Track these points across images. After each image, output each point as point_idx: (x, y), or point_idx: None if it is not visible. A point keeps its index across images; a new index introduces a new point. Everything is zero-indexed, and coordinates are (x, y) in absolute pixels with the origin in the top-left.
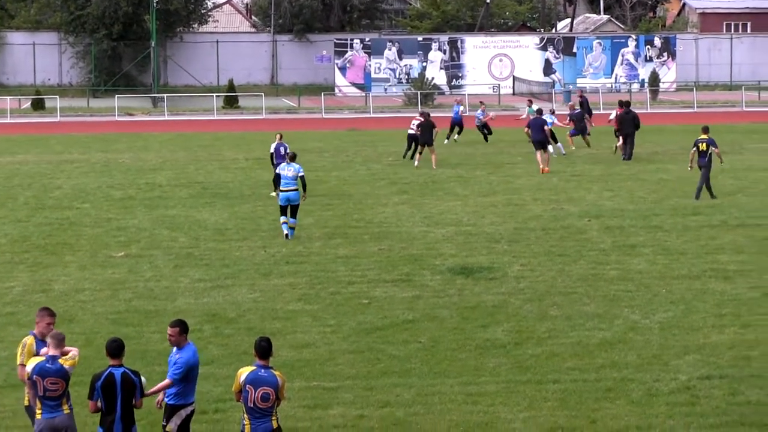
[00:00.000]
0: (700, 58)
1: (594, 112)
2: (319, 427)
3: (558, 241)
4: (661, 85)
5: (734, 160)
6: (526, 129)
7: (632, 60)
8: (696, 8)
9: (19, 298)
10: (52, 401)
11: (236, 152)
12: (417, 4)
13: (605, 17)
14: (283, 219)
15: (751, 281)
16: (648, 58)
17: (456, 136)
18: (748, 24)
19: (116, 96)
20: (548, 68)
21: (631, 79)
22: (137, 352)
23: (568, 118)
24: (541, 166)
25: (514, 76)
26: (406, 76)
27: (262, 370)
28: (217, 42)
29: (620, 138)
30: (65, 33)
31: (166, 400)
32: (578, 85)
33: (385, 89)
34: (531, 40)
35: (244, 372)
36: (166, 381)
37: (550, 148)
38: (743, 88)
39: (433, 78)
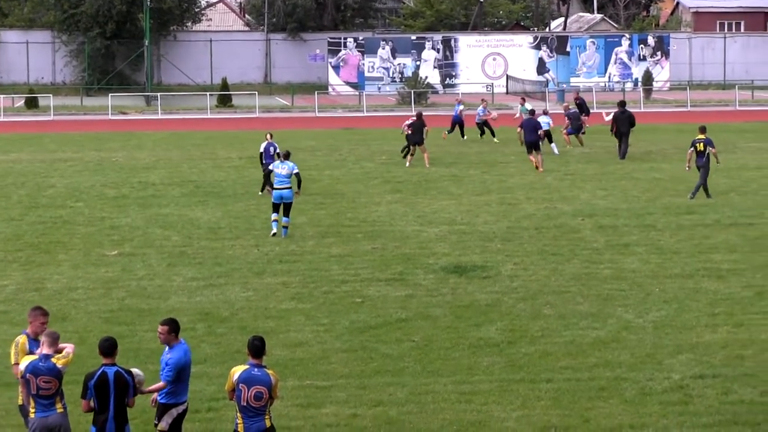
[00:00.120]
0: (693, 57)
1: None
2: (312, 426)
3: (551, 240)
4: (654, 84)
5: (727, 159)
6: (518, 129)
7: (626, 59)
8: (689, 7)
9: (12, 297)
10: (45, 400)
11: (229, 151)
12: (411, 3)
13: (599, 16)
14: (273, 216)
15: (744, 280)
16: (641, 57)
17: (462, 137)
18: (742, 23)
19: (110, 95)
20: (542, 67)
21: (625, 78)
22: (130, 351)
23: (566, 118)
24: (535, 165)
25: (507, 75)
26: (400, 75)
27: (256, 369)
28: (211, 41)
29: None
30: (59, 31)
31: (158, 398)
32: (572, 84)
33: (379, 88)
34: (524, 39)
35: (237, 371)
36: (161, 383)
37: (553, 146)
38: (737, 87)
39: (426, 77)
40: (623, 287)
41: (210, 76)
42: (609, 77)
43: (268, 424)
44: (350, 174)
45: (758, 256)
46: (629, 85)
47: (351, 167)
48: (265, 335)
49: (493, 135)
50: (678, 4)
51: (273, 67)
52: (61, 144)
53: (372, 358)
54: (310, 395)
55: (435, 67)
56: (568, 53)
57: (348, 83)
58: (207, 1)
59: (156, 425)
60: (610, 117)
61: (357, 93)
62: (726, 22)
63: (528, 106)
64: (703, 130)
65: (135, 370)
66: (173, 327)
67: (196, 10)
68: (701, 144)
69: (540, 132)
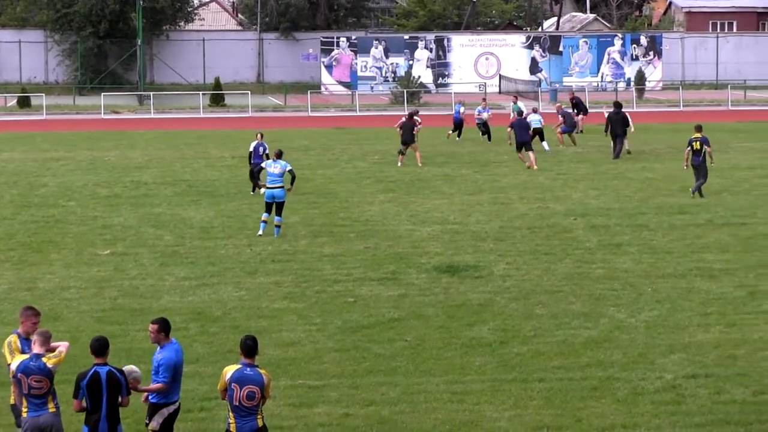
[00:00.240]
0: (686, 57)
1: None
2: (305, 426)
3: (544, 239)
4: (647, 83)
5: (720, 159)
6: (508, 130)
7: (618, 59)
8: (682, 7)
9: (4, 296)
10: (37, 399)
11: (222, 150)
12: (403, 2)
13: (591, 16)
14: (264, 217)
15: (737, 280)
16: (634, 57)
17: (451, 133)
18: (734, 23)
19: (102, 94)
20: (534, 67)
21: (617, 78)
22: (122, 351)
23: (560, 116)
24: (527, 164)
25: (500, 75)
26: (393, 75)
27: (248, 369)
28: (204, 40)
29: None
30: (51, 31)
31: (149, 398)
32: (564, 83)
33: (372, 87)
34: (517, 39)
35: (229, 370)
36: (158, 385)
37: (544, 144)
38: (729, 87)
39: (419, 76)
40: (616, 287)
41: (203, 76)
42: (601, 77)
43: (260, 423)
44: (343, 173)
45: (750, 256)
46: (622, 85)
47: (344, 167)
48: (258, 335)
49: (489, 138)
50: (670, 4)
51: (266, 67)
52: (53, 143)
53: (364, 358)
54: (303, 395)
55: (428, 67)
56: (560, 53)
57: (341, 83)
58: (200, 1)
59: (147, 425)
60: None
61: (350, 92)
62: (718, 22)
63: (521, 104)
64: (699, 128)
65: (131, 367)
66: (163, 326)
67: (189, 9)
68: (697, 143)
69: (530, 132)
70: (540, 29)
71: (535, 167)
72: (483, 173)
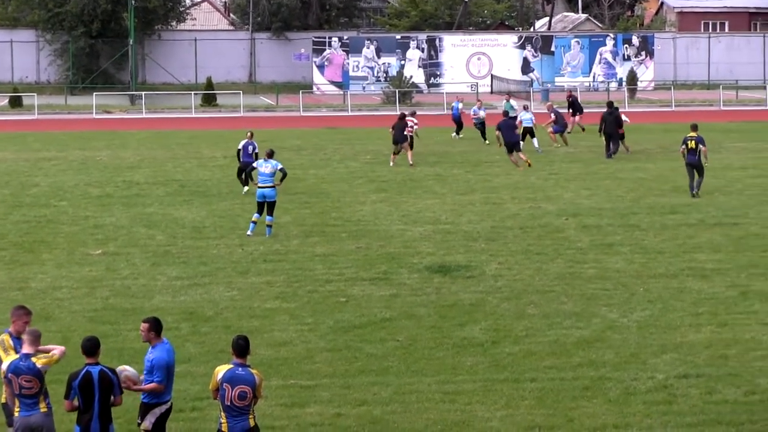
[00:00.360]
0: (677, 57)
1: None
2: (297, 426)
3: (535, 239)
4: (639, 83)
5: (712, 159)
6: (496, 131)
7: (610, 59)
8: (674, 7)
9: None
10: (28, 399)
11: (214, 150)
12: (395, 2)
13: (583, 16)
14: (254, 217)
15: (729, 280)
16: (626, 57)
17: (456, 135)
18: (726, 23)
19: (94, 94)
20: (526, 67)
21: (609, 77)
22: (114, 350)
23: (552, 115)
24: (520, 168)
25: (492, 75)
26: (385, 75)
27: (240, 369)
28: (196, 40)
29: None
30: (43, 30)
31: (141, 398)
32: (556, 83)
33: (363, 87)
34: (509, 39)
35: (221, 370)
36: (154, 385)
37: (534, 141)
38: (721, 87)
39: (411, 76)
40: (607, 287)
41: (195, 76)
42: (593, 77)
43: (252, 423)
44: (335, 173)
45: (742, 256)
46: (614, 85)
47: (336, 167)
48: (250, 334)
49: (484, 138)
50: (662, 4)
51: (258, 67)
52: (45, 143)
53: (356, 358)
54: (295, 395)
55: (420, 67)
56: (552, 53)
57: (333, 82)
58: (191, 1)
59: (139, 425)
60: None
61: (342, 92)
62: (710, 22)
63: (513, 102)
64: (694, 127)
65: (123, 367)
66: (154, 325)
67: (181, 9)
68: (693, 141)
69: (524, 126)
70: (532, 29)
71: (528, 162)
72: (475, 173)
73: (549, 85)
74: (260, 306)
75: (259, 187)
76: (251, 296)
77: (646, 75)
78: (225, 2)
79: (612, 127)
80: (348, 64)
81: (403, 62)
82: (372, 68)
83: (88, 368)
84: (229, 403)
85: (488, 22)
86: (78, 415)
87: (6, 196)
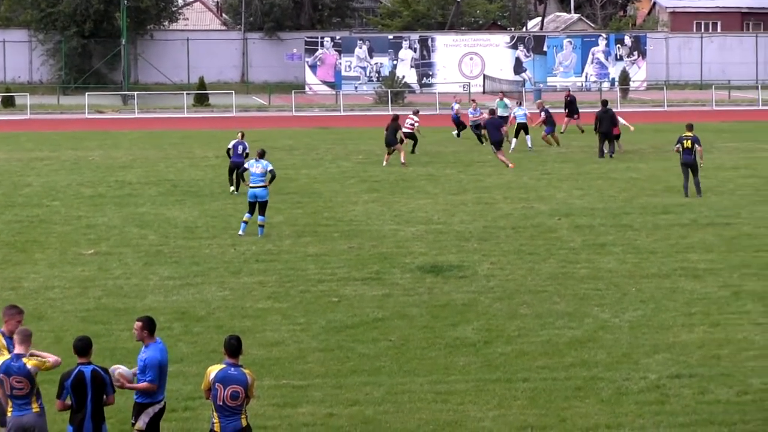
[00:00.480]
0: (670, 57)
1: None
2: (289, 426)
3: (528, 239)
4: (631, 83)
5: (705, 158)
6: (483, 131)
7: (602, 59)
8: (666, 7)
9: None
10: (20, 400)
11: (206, 150)
12: (388, 2)
13: (576, 16)
14: (246, 217)
15: (721, 280)
16: (618, 57)
17: (456, 135)
18: (718, 23)
19: (86, 94)
20: (519, 67)
21: (602, 77)
22: (106, 350)
23: (543, 114)
24: (510, 166)
25: (484, 75)
26: (377, 75)
27: (232, 368)
28: (188, 40)
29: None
30: (36, 30)
31: (134, 397)
32: (549, 83)
33: (356, 87)
34: (501, 39)
35: (213, 370)
36: (146, 384)
37: (528, 140)
38: (713, 87)
39: (403, 76)
40: (600, 287)
41: (187, 75)
42: (586, 77)
43: (244, 423)
44: (327, 173)
45: (735, 256)
46: (606, 85)
47: (328, 166)
48: (242, 334)
49: (480, 140)
50: (655, 4)
51: (250, 67)
52: (37, 143)
53: (348, 358)
54: (287, 394)
55: (412, 67)
56: (545, 53)
57: (325, 82)
58: (184, 0)
59: (133, 425)
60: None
61: (334, 92)
62: (703, 22)
63: (507, 101)
64: (690, 127)
65: (119, 366)
66: (147, 324)
67: (174, 9)
68: (689, 141)
69: (503, 129)
70: (524, 29)
71: (511, 165)
72: (467, 173)
73: (541, 85)
74: (252, 306)
75: (251, 187)
76: (243, 296)
77: (639, 75)
78: (217, 2)
79: (607, 126)
80: (340, 64)
81: (395, 62)
82: (364, 68)
83: (80, 368)
84: (221, 403)
85: (480, 22)
86: (71, 415)
87: None
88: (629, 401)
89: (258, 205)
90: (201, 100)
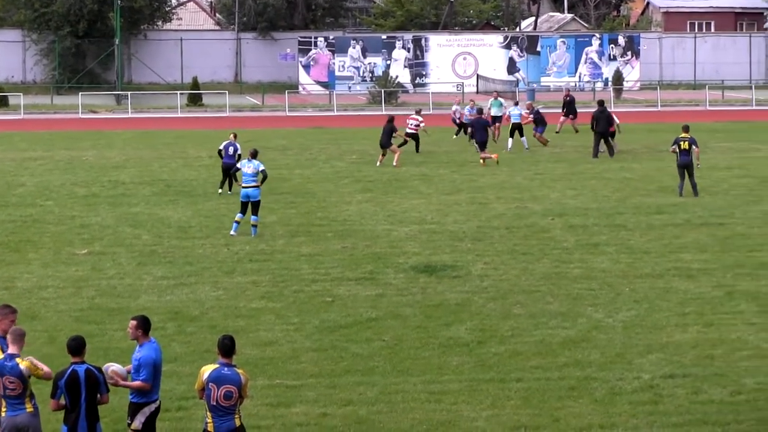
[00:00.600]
0: (663, 57)
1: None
2: (282, 425)
3: (521, 239)
4: (624, 83)
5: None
6: (469, 129)
7: (596, 59)
8: (660, 7)
9: None
10: (13, 400)
11: (200, 150)
12: (381, 2)
13: (569, 16)
14: (238, 217)
15: (715, 280)
16: (612, 57)
17: (455, 135)
18: (712, 23)
19: (80, 93)
20: (512, 67)
21: (595, 77)
22: (100, 350)
23: (531, 115)
24: (494, 157)
25: (478, 75)
26: (370, 75)
27: (225, 368)
28: (182, 40)
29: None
30: (29, 30)
31: (129, 397)
32: (542, 83)
33: (349, 87)
34: (495, 39)
35: (207, 370)
36: (140, 383)
37: (523, 140)
38: (707, 87)
39: (397, 76)
40: (593, 287)
41: (180, 75)
42: (579, 77)
43: (237, 423)
44: (321, 173)
45: (728, 256)
46: (599, 85)
47: (321, 166)
48: (235, 334)
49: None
50: (648, 4)
51: (243, 67)
52: (31, 143)
53: (342, 358)
54: (280, 394)
55: (405, 67)
56: (538, 53)
57: (318, 82)
58: (177, 0)
59: (129, 425)
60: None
61: (327, 92)
62: (696, 22)
63: (502, 100)
64: (686, 129)
65: (113, 364)
66: (142, 323)
67: (167, 9)
68: (686, 142)
69: (491, 129)
70: (518, 29)
71: (484, 162)
72: (461, 173)
73: (535, 85)
74: (246, 306)
75: (243, 187)
76: (237, 296)
77: (632, 75)
78: (211, 2)
79: (604, 126)
80: (334, 64)
81: (388, 62)
82: (358, 68)
83: (74, 367)
84: (214, 403)
85: (474, 22)
86: (65, 415)
87: None
88: (623, 401)
89: (250, 205)
90: (194, 100)
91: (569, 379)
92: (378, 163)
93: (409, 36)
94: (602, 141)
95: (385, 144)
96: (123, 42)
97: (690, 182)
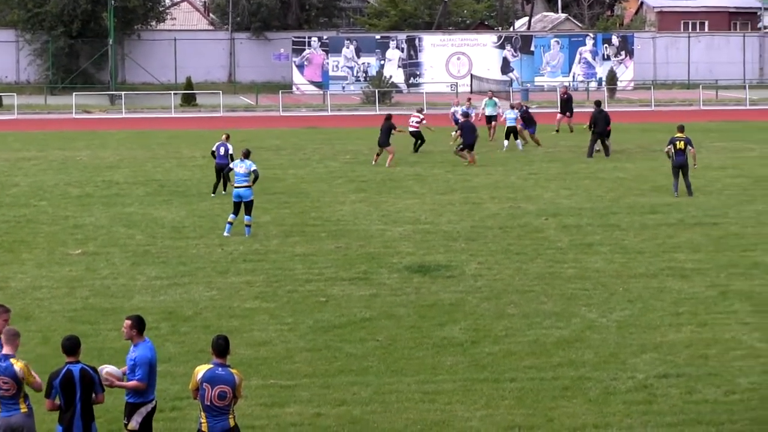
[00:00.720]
0: (657, 56)
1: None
2: (276, 425)
3: (515, 239)
4: (618, 83)
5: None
6: (457, 132)
7: (590, 58)
8: (653, 7)
9: None
10: (7, 400)
11: (194, 150)
12: (375, 2)
13: (563, 16)
14: (230, 218)
15: (708, 280)
16: (605, 57)
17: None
18: (706, 23)
19: (74, 93)
20: (506, 66)
21: (589, 77)
22: (94, 350)
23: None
24: (469, 160)
25: (471, 75)
26: (364, 75)
27: (220, 368)
28: (175, 40)
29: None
30: (23, 30)
31: (125, 398)
32: (536, 83)
33: (343, 87)
34: (489, 39)
35: (201, 370)
36: (135, 383)
37: (518, 143)
38: (701, 86)
39: (390, 76)
40: (587, 287)
41: (174, 75)
42: (573, 77)
43: (232, 423)
44: (314, 173)
45: (722, 256)
46: (593, 85)
47: (315, 166)
48: (229, 334)
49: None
50: (642, 3)
51: (237, 67)
52: (25, 143)
53: (336, 358)
54: (274, 394)
55: (399, 67)
56: (532, 53)
57: (312, 82)
58: (171, 0)
59: (126, 425)
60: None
61: (321, 92)
62: (690, 22)
63: (496, 100)
64: (681, 129)
65: (107, 365)
66: (136, 323)
67: (161, 9)
68: (681, 142)
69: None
70: (511, 29)
71: (473, 161)
72: (454, 173)
73: (528, 85)
74: (240, 306)
75: (235, 187)
76: (231, 296)
77: (626, 75)
78: (204, 2)
79: (603, 126)
80: (327, 64)
81: (382, 62)
82: (352, 68)
83: (68, 366)
84: (208, 403)
85: (468, 21)
86: (60, 414)
87: None
88: (617, 401)
89: (243, 205)
90: (188, 100)
91: (563, 379)
92: (373, 162)
93: (402, 36)
94: (598, 141)
95: (383, 143)
96: (117, 42)
97: (684, 182)
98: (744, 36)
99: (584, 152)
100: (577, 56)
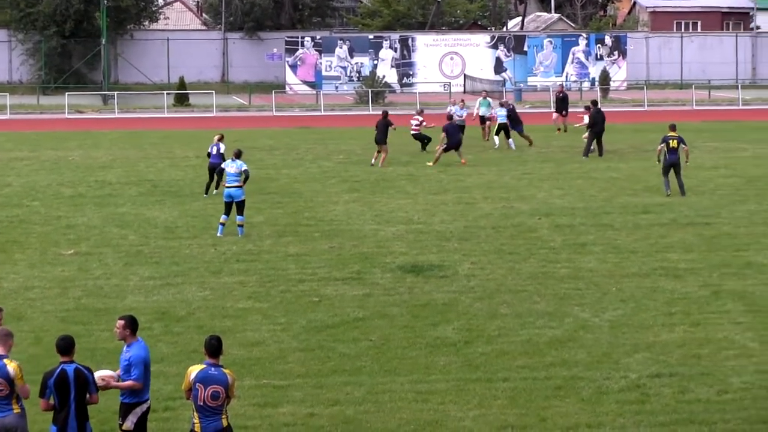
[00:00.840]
0: (650, 56)
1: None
2: (269, 426)
3: (508, 239)
4: (611, 83)
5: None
6: (442, 134)
7: (583, 58)
8: (646, 7)
9: None
10: (0, 401)
11: (186, 150)
12: (368, 2)
13: (556, 16)
14: (222, 219)
15: (701, 279)
16: (599, 57)
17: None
18: (699, 23)
19: (66, 94)
20: (499, 66)
21: (582, 77)
22: (86, 351)
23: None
24: (438, 157)
25: (465, 75)
26: (357, 74)
27: (213, 369)
28: (168, 40)
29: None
30: (15, 30)
31: (120, 398)
32: (529, 83)
33: (336, 87)
34: (482, 39)
35: (194, 370)
36: (131, 382)
37: (510, 142)
38: (693, 86)
39: (384, 76)
40: (580, 286)
41: (167, 75)
42: (566, 77)
43: (224, 423)
44: (307, 173)
45: (715, 256)
46: (586, 85)
47: (308, 166)
48: (222, 334)
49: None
50: (635, 3)
51: (230, 66)
52: (17, 143)
53: (329, 358)
54: (267, 394)
55: (392, 67)
56: (525, 53)
57: (305, 82)
58: (164, 0)
59: (120, 425)
60: (585, 121)
61: (314, 92)
62: (683, 22)
63: (490, 100)
64: (673, 128)
65: (102, 370)
66: (129, 323)
67: (154, 8)
68: (674, 141)
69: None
70: (504, 29)
71: (435, 158)
72: (447, 173)
73: (521, 85)
74: (233, 306)
75: (226, 187)
76: (224, 296)
77: (619, 75)
78: (197, 2)
79: (601, 126)
80: (321, 63)
81: (375, 62)
82: (345, 68)
83: (63, 366)
84: (201, 403)
85: (461, 21)
86: (54, 414)
87: None
88: (609, 400)
89: (235, 205)
90: (181, 100)
91: (556, 379)
92: (373, 161)
93: (396, 36)
94: (595, 141)
95: (380, 140)
96: (109, 42)
97: (677, 181)
98: (737, 36)
99: (577, 152)
100: (570, 56)
